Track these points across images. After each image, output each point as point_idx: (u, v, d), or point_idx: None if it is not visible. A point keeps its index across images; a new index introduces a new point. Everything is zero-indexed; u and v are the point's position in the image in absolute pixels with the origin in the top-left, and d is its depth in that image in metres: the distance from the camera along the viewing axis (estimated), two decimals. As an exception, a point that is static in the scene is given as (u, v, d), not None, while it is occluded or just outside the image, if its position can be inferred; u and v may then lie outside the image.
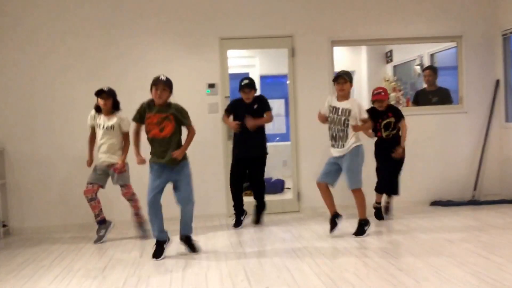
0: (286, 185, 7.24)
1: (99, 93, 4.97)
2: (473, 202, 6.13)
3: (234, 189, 5.50)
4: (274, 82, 9.69)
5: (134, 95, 5.94)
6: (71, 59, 5.92)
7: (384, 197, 5.57)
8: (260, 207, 5.58)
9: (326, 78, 6.18)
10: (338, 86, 4.71)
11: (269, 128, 9.12)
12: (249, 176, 5.55)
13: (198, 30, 6.06)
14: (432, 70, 6.77)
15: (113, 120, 5.00)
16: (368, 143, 5.31)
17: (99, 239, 4.97)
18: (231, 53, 6.43)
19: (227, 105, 5.57)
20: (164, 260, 4.29)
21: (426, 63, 7.79)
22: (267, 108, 5.46)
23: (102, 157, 5.00)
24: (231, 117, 5.48)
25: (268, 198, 5.74)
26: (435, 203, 6.21)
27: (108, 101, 4.96)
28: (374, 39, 6.53)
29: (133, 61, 5.99)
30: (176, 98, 6.00)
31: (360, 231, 4.73)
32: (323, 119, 4.87)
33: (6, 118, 5.81)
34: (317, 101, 6.10)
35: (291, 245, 4.55)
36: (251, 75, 8.81)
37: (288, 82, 6.34)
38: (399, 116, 5.41)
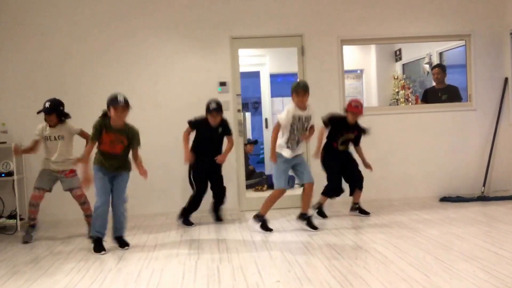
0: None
1: (43, 111, 4.91)
2: (482, 198, 6.16)
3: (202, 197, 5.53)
4: (284, 80, 9.75)
5: (145, 94, 6.08)
6: (85, 59, 6.03)
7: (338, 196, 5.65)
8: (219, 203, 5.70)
9: (335, 77, 6.24)
10: (299, 99, 4.80)
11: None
12: (213, 184, 5.58)
13: (209, 29, 6.14)
14: (441, 68, 6.80)
15: (62, 130, 4.96)
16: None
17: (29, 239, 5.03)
18: (242, 52, 6.49)
19: (193, 120, 5.43)
20: (177, 253, 4.37)
21: (435, 61, 7.81)
22: (228, 133, 5.54)
23: (53, 167, 4.99)
24: (192, 134, 5.47)
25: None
26: (444, 199, 6.24)
27: (52, 116, 4.90)
28: (383, 38, 6.57)
29: (144, 59, 6.08)
30: (187, 96, 6.15)
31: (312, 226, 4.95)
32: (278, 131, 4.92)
33: (24, 115, 5.91)
34: (326, 99, 6.20)
35: (301, 240, 4.61)
36: (261, 74, 8.90)
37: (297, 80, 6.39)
38: (362, 131, 5.47)
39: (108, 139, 4.43)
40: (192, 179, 5.48)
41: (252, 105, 9.94)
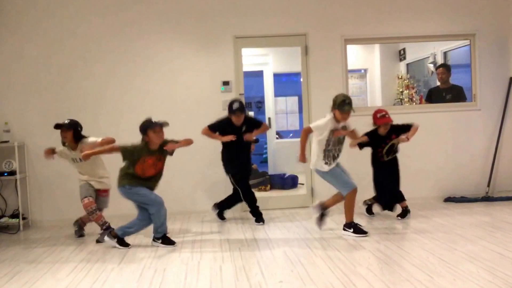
0: (300, 181, 7.29)
1: (58, 127, 4.90)
2: (487, 199, 6.13)
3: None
4: (288, 79, 9.75)
5: (147, 93, 6.08)
6: (89, 60, 6.03)
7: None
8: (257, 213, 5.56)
9: (339, 76, 6.22)
10: (344, 116, 4.64)
11: (283, 125, 9.25)
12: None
13: (213, 28, 6.13)
14: (445, 68, 6.77)
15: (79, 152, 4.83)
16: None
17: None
18: (245, 51, 6.48)
19: (214, 122, 5.41)
20: (180, 252, 4.36)
21: (440, 61, 7.78)
22: (259, 123, 5.54)
23: (94, 184, 4.96)
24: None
25: (282, 193, 5.81)
26: (448, 200, 6.22)
27: (68, 133, 4.86)
28: (387, 37, 6.54)
29: (147, 59, 6.07)
30: (191, 95, 6.15)
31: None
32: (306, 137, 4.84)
33: (27, 114, 5.94)
34: (329, 99, 6.13)
35: (304, 240, 4.60)
36: (264, 73, 8.90)
37: (301, 80, 6.38)
38: (403, 131, 5.23)
39: (149, 163, 4.52)
40: (234, 183, 5.49)
41: (255, 104, 9.94)
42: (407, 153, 6.33)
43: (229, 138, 5.30)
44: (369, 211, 5.55)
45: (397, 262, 3.79)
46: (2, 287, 3.63)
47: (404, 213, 5.39)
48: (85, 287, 3.56)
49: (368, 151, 5.32)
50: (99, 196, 5.00)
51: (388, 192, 5.35)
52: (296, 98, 9.13)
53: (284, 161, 6.06)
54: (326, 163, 4.72)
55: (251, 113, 8.56)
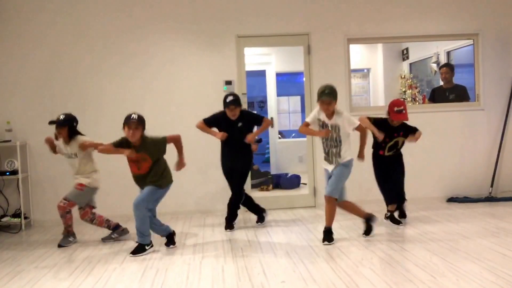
0: (302, 181, 7.27)
1: (53, 123, 4.81)
2: (490, 199, 6.11)
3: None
4: (290, 79, 9.74)
5: (150, 92, 6.07)
6: (92, 59, 6.03)
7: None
8: (233, 215, 5.30)
9: (342, 76, 6.20)
10: (323, 107, 4.43)
11: (285, 125, 9.24)
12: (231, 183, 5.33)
13: (215, 28, 6.12)
14: (449, 68, 6.75)
15: (74, 148, 4.80)
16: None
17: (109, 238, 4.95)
18: (248, 51, 6.47)
19: (209, 116, 5.22)
20: (182, 252, 4.36)
21: (443, 60, 7.76)
22: (259, 119, 5.30)
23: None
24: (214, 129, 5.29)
25: (284, 193, 5.78)
26: (451, 200, 6.19)
27: (63, 130, 4.77)
28: (391, 37, 6.52)
29: (150, 58, 6.07)
30: (193, 95, 6.14)
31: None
32: (307, 131, 4.65)
33: (29, 113, 5.94)
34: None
35: (307, 240, 4.58)
36: (267, 73, 8.88)
37: (304, 79, 6.37)
38: (411, 132, 4.99)
39: (131, 159, 4.43)
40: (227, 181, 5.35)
41: (257, 104, 9.93)
42: (410, 153, 6.31)
43: (220, 136, 5.11)
44: (393, 219, 5.11)
45: (400, 262, 3.77)
46: (3, 287, 3.62)
47: (392, 217, 5.11)
48: (87, 287, 3.55)
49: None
50: (73, 188, 4.87)
51: (389, 189, 5.10)
52: (298, 98, 9.12)
53: (286, 161, 6.03)
54: (325, 158, 4.54)
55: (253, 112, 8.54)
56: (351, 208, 4.67)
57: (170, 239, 4.61)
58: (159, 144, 4.48)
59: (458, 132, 6.36)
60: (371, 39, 6.73)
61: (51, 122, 4.83)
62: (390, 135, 4.94)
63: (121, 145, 4.43)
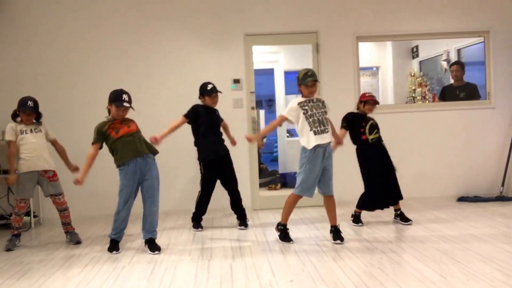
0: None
1: (24, 110, 4.64)
2: (501, 198, 6.05)
3: (208, 197, 5.24)
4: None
5: (158, 91, 6.08)
6: (98, 58, 6.05)
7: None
8: (243, 210, 5.28)
9: (351, 74, 6.18)
10: (309, 89, 4.34)
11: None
12: (224, 176, 5.21)
13: (223, 26, 6.12)
14: (459, 65, 6.70)
15: (39, 126, 4.76)
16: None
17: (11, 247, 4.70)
18: (256, 49, 6.46)
19: (189, 111, 5.10)
20: (190, 251, 4.36)
21: (453, 58, 7.70)
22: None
23: (33, 163, 4.65)
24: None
25: (291, 192, 5.72)
26: (462, 199, 6.14)
27: (32, 116, 4.70)
28: (400, 35, 6.49)
29: (158, 57, 6.08)
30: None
31: (341, 236, 4.43)
32: (280, 123, 4.56)
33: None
34: (341, 97, 6.14)
35: (315, 239, 4.57)
36: (275, 71, 8.86)
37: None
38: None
39: (117, 126, 4.36)
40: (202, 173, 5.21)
41: (266, 102, 9.91)
42: (420, 152, 6.28)
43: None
44: (403, 217, 5.05)
45: (409, 262, 3.74)
46: (13, 285, 3.64)
47: (402, 216, 5.05)
48: (96, 285, 3.56)
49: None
50: (50, 182, 4.75)
51: (390, 188, 4.99)
52: (307, 96, 9.08)
53: (295, 160, 6.00)
54: (315, 132, 4.27)
55: (261, 111, 8.53)
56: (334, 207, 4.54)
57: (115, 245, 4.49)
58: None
59: (469, 131, 6.31)
60: (380, 37, 6.68)
61: (19, 111, 4.66)
62: (364, 119, 5.00)
63: (99, 139, 4.41)
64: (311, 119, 4.31)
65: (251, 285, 3.39)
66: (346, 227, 4.95)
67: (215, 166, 5.14)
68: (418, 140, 6.28)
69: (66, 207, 4.88)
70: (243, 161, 6.13)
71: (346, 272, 3.56)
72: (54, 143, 4.93)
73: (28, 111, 4.66)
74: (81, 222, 5.77)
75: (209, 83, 5.16)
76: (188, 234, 5.04)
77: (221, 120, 5.29)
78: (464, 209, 5.67)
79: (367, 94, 5.11)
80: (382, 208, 5.07)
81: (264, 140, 7.91)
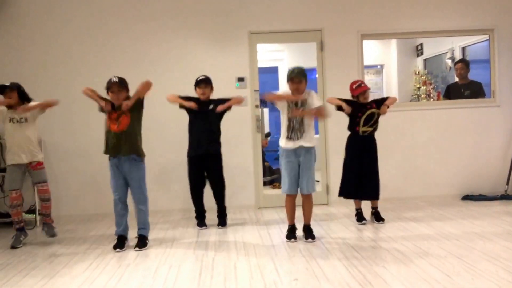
0: (315, 178, 7.23)
1: (1, 90, 4.64)
2: (506, 197, 6.03)
3: (195, 193, 5.21)
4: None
5: (162, 89, 6.07)
6: (103, 55, 6.06)
7: (356, 202, 5.18)
8: (223, 210, 5.29)
9: (355, 72, 6.16)
10: (293, 86, 4.39)
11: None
12: (208, 176, 5.21)
13: (227, 24, 6.11)
14: (464, 64, 6.67)
15: (25, 113, 4.67)
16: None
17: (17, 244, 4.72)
18: (260, 47, 6.45)
19: (183, 96, 5.12)
20: (194, 249, 4.36)
21: (458, 56, 7.67)
22: (227, 99, 5.14)
23: (18, 156, 4.66)
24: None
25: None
26: (466, 198, 6.12)
27: (12, 94, 4.63)
28: (405, 33, 6.47)
29: (162, 55, 6.09)
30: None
31: (312, 235, 4.48)
32: (278, 98, 4.52)
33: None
34: (346, 94, 6.11)
35: (319, 238, 4.56)
36: (279, 69, 8.85)
37: (317, 76, 6.33)
38: (382, 102, 4.99)
39: (114, 116, 4.39)
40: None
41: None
42: (424, 151, 6.27)
43: (192, 105, 4.96)
44: (378, 216, 5.07)
45: (414, 261, 3.73)
46: (19, 283, 3.66)
47: (376, 215, 5.06)
48: (101, 283, 3.57)
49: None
50: (33, 170, 4.73)
51: (355, 178, 4.96)
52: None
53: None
54: (287, 137, 4.40)
55: (265, 109, 8.52)
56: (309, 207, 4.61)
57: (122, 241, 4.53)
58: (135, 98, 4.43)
59: (474, 129, 6.29)
60: (384, 35, 6.67)
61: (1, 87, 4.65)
62: (362, 110, 4.94)
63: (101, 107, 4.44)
64: (288, 123, 4.41)
65: (255, 284, 3.39)
66: (351, 226, 4.94)
67: (198, 163, 5.11)
68: (422, 139, 6.26)
69: (48, 197, 4.83)
70: (247, 159, 6.13)
71: (350, 271, 3.55)
72: (42, 108, 4.77)
73: (7, 91, 4.61)
74: (87, 220, 5.81)
75: (203, 75, 5.17)
76: (192, 232, 5.04)
77: (221, 112, 5.12)
78: (468, 207, 5.66)
79: (354, 86, 4.97)
80: (355, 198, 5.09)
81: (268, 138, 7.92)
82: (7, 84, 4.69)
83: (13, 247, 4.68)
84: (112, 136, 4.39)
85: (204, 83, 5.10)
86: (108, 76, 5.94)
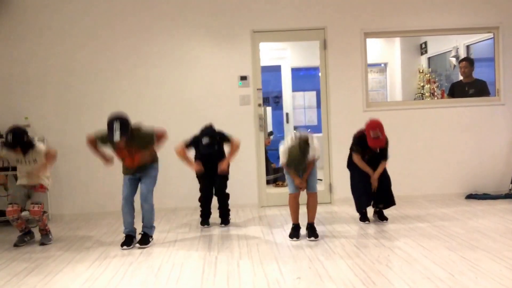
0: (318, 177, 7.21)
1: (6, 146, 4.61)
2: (510, 196, 6.00)
3: (204, 199, 5.26)
4: (306, 74, 9.67)
5: (165, 88, 6.09)
6: (107, 56, 6.05)
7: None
8: (225, 211, 5.32)
9: (358, 70, 6.14)
10: None
11: (300, 120, 9.19)
12: (214, 187, 5.27)
13: (230, 23, 6.10)
14: (468, 62, 6.64)
15: (33, 154, 4.70)
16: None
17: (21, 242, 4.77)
18: (263, 46, 6.44)
19: (190, 139, 5.07)
20: (197, 248, 4.36)
21: (462, 54, 7.64)
22: (227, 140, 5.10)
23: (25, 180, 4.74)
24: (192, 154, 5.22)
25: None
26: (470, 196, 6.10)
27: (17, 150, 4.62)
28: (408, 31, 6.43)
29: (164, 54, 6.07)
30: (208, 90, 6.13)
31: (315, 234, 4.50)
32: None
33: (47, 110, 6.01)
34: (348, 93, 6.12)
35: (322, 236, 4.55)
36: (282, 68, 8.84)
37: (320, 74, 6.32)
38: (383, 157, 4.95)
39: (121, 155, 4.50)
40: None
41: (273, 99, 9.89)
42: (428, 149, 6.24)
43: (197, 168, 5.02)
44: (382, 215, 5.10)
45: (417, 259, 3.72)
46: (22, 281, 3.67)
47: (380, 214, 5.08)
48: (104, 281, 3.58)
49: None
50: (34, 191, 4.76)
51: (368, 187, 4.95)
52: (314, 93, 9.07)
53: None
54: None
55: (268, 108, 8.51)
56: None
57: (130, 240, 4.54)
58: (147, 138, 4.48)
59: (478, 128, 6.26)
60: (388, 33, 6.65)
61: (5, 144, 4.61)
62: (368, 152, 4.94)
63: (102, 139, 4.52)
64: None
65: (258, 282, 3.39)
66: (354, 225, 4.93)
67: (207, 179, 5.19)
68: (426, 137, 6.23)
69: (39, 218, 4.72)
70: (250, 159, 6.12)
71: (353, 270, 3.55)
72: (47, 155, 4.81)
73: (10, 148, 4.62)
74: (90, 218, 5.83)
75: (207, 129, 5.07)
76: (195, 230, 5.05)
77: (223, 141, 5.14)
78: (472, 206, 5.63)
79: (372, 135, 4.77)
80: (370, 206, 5.10)
81: (271, 137, 7.92)
82: (9, 140, 4.54)
83: (16, 245, 4.70)
84: (129, 166, 4.54)
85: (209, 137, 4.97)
86: (113, 78, 6.01)
